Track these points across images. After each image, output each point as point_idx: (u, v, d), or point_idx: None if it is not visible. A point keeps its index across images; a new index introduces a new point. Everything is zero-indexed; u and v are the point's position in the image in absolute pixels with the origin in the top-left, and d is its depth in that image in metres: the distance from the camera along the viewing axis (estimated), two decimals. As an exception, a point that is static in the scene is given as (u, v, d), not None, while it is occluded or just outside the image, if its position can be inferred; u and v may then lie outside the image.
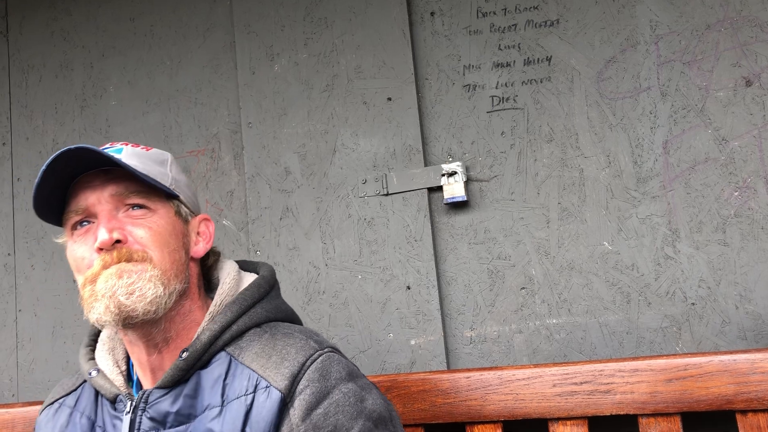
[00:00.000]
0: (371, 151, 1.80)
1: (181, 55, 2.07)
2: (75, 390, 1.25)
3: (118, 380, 1.18)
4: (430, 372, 1.55)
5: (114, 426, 1.14)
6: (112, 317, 1.04)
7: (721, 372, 1.36)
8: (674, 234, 1.56)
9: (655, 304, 1.56)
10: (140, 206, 1.11)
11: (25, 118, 2.24)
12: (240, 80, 1.95)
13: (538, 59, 1.70)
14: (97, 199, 1.09)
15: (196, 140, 2.01)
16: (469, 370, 1.52)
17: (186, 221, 1.18)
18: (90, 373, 1.19)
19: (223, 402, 1.07)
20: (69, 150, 1.03)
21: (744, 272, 1.50)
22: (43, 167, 1.04)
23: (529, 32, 1.71)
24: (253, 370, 1.07)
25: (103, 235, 1.05)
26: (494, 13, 1.74)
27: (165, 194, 1.15)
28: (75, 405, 1.22)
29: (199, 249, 1.19)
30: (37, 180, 1.05)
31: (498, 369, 1.50)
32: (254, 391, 1.06)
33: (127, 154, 1.13)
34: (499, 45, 1.73)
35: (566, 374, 1.45)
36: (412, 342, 1.70)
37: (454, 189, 1.70)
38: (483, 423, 1.49)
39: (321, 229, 1.82)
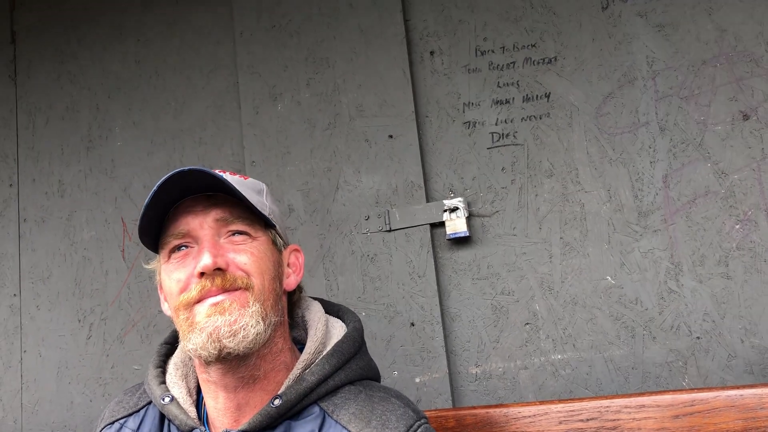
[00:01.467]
0: (374, 188, 1.81)
1: (185, 96, 2.10)
2: (137, 411, 1.19)
3: (192, 411, 1.12)
4: (435, 410, 1.54)
5: None
6: (208, 353, 1.03)
7: (728, 407, 1.35)
8: (677, 267, 1.56)
9: (660, 339, 1.55)
10: (241, 233, 1.09)
11: (32, 160, 2.27)
12: (243, 120, 1.98)
13: (537, 96, 1.72)
14: (200, 224, 1.07)
15: (201, 179, 2.04)
16: (474, 408, 1.51)
17: (280, 251, 1.15)
18: (163, 399, 1.14)
19: None
20: (183, 171, 1.01)
21: (748, 305, 1.50)
22: (155, 189, 1.02)
23: (528, 69, 1.74)
24: None
25: (206, 259, 1.03)
26: (492, 51, 1.77)
27: (264, 223, 1.13)
28: (138, 429, 1.17)
29: (291, 281, 1.17)
30: (146, 201, 1.03)
31: (504, 406, 1.49)
32: None
33: (228, 178, 1.10)
34: (498, 82, 1.76)
35: (572, 411, 1.44)
36: (417, 380, 1.70)
37: (456, 224, 1.71)
38: (489, 462, 1.48)
39: (324, 266, 1.83)
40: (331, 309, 1.25)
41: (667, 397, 1.39)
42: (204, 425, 1.13)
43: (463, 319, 1.70)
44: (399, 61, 1.84)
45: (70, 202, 2.19)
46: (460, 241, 1.73)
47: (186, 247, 1.08)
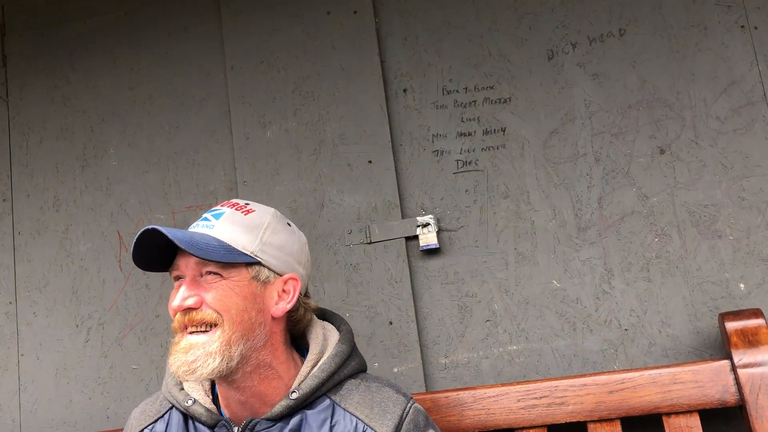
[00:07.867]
0: (355, 206, 2.10)
1: (179, 121, 2.33)
2: (162, 416, 1.40)
3: (214, 409, 1.35)
4: (413, 394, 1.84)
5: None
6: (178, 377, 1.27)
7: (649, 383, 1.70)
8: (609, 273, 1.91)
9: (596, 331, 1.90)
10: (213, 273, 1.28)
11: (26, 176, 2.43)
12: (235, 144, 2.22)
13: (495, 130, 2.05)
14: (185, 264, 1.29)
15: (195, 197, 2.26)
16: (447, 390, 1.81)
17: (265, 283, 1.32)
18: (186, 402, 1.35)
19: None
20: (146, 231, 1.25)
21: (664, 303, 1.87)
22: (134, 242, 1.28)
23: (487, 107, 2.07)
24: (359, 418, 1.30)
25: (176, 301, 1.27)
26: (457, 91, 2.09)
27: (245, 262, 1.30)
28: (166, 430, 1.37)
29: (279, 308, 1.34)
30: (131, 252, 1.30)
31: (472, 389, 1.80)
32: None
33: (224, 218, 1.32)
34: (462, 118, 2.08)
35: (528, 391, 1.77)
36: (395, 369, 1.99)
37: (428, 237, 2.01)
38: (461, 435, 1.79)
39: (312, 274, 2.09)
40: (325, 315, 1.51)
41: (604, 377, 1.73)
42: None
43: (434, 318, 2.01)
44: (376, 96, 2.13)
45: (66, 216, 2.37)
46: (431, 252, 2.03)
47: (180, 278, 1.31)
